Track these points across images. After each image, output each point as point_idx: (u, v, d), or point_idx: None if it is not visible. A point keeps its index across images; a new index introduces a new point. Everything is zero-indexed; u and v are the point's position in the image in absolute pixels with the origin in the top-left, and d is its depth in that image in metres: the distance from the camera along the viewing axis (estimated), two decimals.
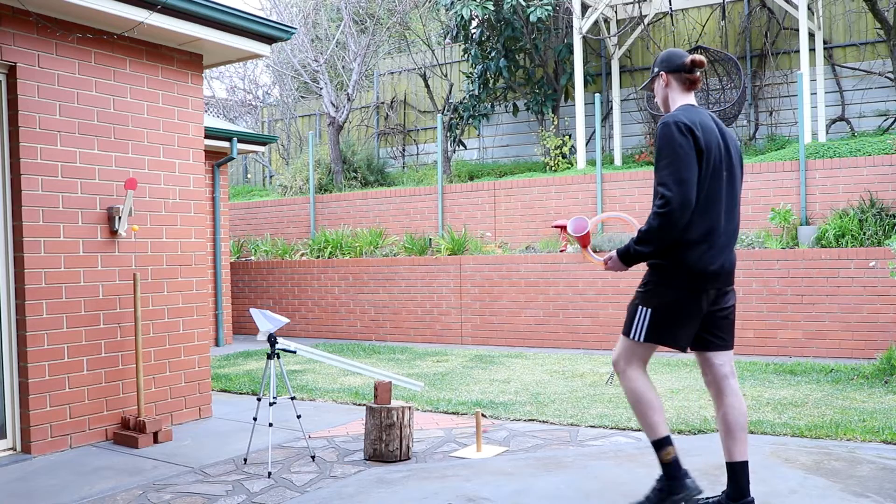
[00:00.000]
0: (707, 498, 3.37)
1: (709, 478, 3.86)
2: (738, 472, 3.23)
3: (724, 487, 3.35)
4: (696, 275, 3.16)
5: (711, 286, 3.21)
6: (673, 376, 7.04)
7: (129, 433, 5.03)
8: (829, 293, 8.02)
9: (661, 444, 3.24)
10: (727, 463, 3.27)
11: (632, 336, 3.29)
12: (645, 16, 12.24)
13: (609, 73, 13.09)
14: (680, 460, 3.22)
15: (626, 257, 3.25)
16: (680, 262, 3.16)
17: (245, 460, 4.57)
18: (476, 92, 13.35)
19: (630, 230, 9.68)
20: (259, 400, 4.59)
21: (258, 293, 11.80)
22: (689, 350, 3.32)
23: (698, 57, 3.32)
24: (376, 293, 10.68)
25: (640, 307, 3.27)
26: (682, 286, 3.18)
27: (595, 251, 8.91)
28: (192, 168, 5.77)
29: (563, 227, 3.76)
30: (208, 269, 9.22)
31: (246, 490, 4.03)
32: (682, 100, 3.36)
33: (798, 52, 11.28)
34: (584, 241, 3.63)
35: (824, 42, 11.51)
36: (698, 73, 3.36)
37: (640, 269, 3.35)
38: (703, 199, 3.13)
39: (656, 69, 3.42)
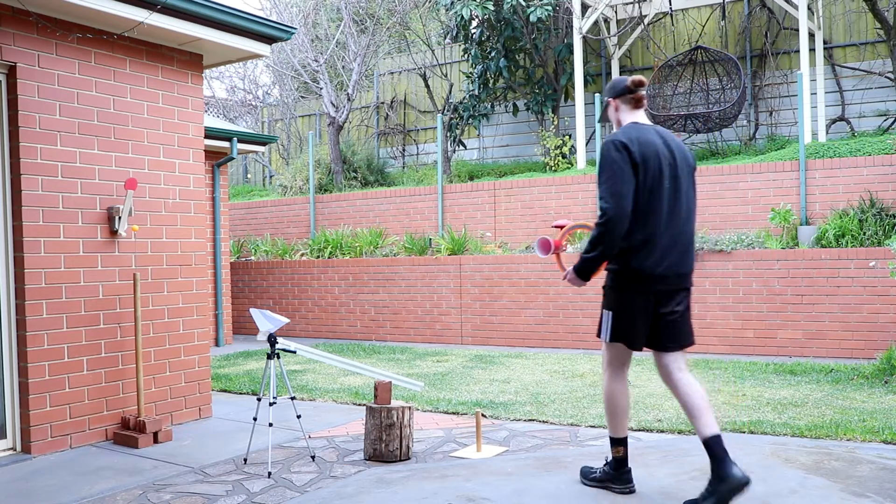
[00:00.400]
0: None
1: (708, 478, 3.86)
2: (713, 446, 3.31)
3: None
4: (641, 277, 3.44)
5: (659, 287, 3.46)
6: None
7: (129, 433, 5.03)
8: (829, 293, 8.02)
9: (618, 442, 3.65)
10: (703, 442, 3.35)
11: (602, 337, 3.61)
12: (645, 16, 12.24)
13: (609, 73, 13.09)
14: (628, 460, 3.67)
15: (580, 269, 3.54)
16: (626, 266, 3.45)
17: (245, 460, 4.57)
18: (476, 92, 13.36)
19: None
20: (259, 400, 4.59)
21: (258, 293, 11.80)
22: (642, 349, 3.57)
23: (638, 77, 3.59)
24: (376, 293, 10.68)
25: (603, 310, 3.61)
26: (630, 288, 3.48)
27: None
28: (192, 168, 5.77)
29: (564, 227, 3.89)
30: (208, 269, 9.22)
31: (246, 490, 4.03)
32: (629, 118, 3.62)
33: (798, 52, 11.28)
34: (556, 256, 3.94)
35: (824, 42, 11.51)
36: (641, 92, 3.61)
37: None
38: (642, 207, 3.39)
39: (605, 98, 3.72)
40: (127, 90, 5.30)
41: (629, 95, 3.62)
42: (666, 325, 3.52)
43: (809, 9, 11.05)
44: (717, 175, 9.61)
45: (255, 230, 13.46)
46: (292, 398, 4.64)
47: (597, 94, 11.19)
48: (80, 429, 5.02)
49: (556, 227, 3.98)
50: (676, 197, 3.47)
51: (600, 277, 3.68)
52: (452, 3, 12.54)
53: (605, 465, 3.76)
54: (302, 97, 17.42)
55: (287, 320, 4.70)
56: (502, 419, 5.53)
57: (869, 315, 7.82)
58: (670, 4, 12.05)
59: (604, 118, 3.83)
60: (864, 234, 8.23)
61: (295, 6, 17.21)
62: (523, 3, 11.89)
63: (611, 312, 3.56)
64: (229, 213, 11.97)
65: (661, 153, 3.45)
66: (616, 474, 3.69)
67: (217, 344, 10.28)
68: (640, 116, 3.63)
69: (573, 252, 9.22)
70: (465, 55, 13.62)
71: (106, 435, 5.17)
